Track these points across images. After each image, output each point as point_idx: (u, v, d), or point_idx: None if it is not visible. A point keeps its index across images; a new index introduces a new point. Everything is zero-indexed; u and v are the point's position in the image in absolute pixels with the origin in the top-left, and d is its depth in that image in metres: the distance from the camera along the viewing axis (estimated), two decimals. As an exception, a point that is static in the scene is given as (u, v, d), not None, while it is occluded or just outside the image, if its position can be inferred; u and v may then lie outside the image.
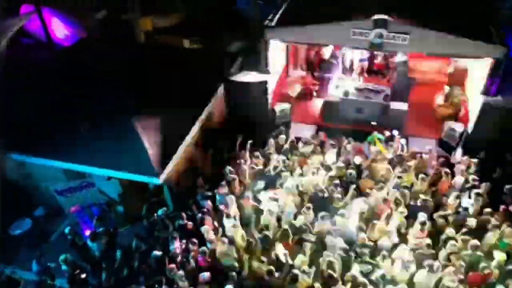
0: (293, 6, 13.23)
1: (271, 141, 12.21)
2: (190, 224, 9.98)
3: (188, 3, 21.78)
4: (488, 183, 10.08)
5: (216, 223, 10.15)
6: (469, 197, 9.95)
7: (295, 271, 8.52)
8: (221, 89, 13.47)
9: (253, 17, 20.23)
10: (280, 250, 9.18)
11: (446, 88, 14.32)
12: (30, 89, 12.26)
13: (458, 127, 12.23)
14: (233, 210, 10.25)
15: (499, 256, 8.63)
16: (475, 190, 9.96)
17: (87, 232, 11.25)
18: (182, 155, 11.35)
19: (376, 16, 11.13)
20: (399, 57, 14.05)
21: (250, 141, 11.88)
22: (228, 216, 9.95)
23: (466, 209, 9.72)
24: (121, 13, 19.90)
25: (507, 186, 10.14)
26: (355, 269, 8.65)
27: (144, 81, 12.64)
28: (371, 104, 13.63)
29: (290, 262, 8.96)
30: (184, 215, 10.15)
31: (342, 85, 14.44)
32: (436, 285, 8.29)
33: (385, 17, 11.11)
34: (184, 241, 9.60)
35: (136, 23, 19.10)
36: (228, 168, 11.24)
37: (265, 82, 13.07)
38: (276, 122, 13.51)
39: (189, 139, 11.73)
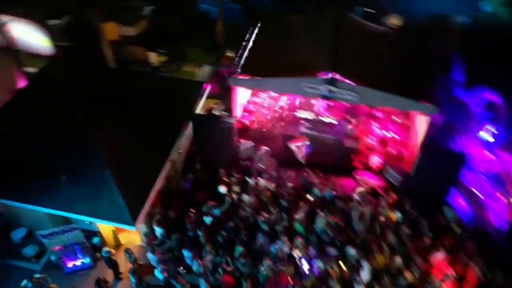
0: (253, 57, 14.13)
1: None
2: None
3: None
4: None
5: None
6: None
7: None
8: (188, 125, 14.61)
9: (218, 19, 21.03)
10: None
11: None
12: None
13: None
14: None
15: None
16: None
17: (69, 264, 13.03)
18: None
19: (325, 76, 12.39)
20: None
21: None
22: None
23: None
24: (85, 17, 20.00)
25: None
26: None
27: (115, 117, 13.57)
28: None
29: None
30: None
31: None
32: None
33: (334, 77, 12.40)
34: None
35: (101, 31, 19.29)
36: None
37: (231, 123, 14.24)
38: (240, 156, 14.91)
39: (160, 180, 13.03)
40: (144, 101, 14.47)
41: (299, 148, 14.13)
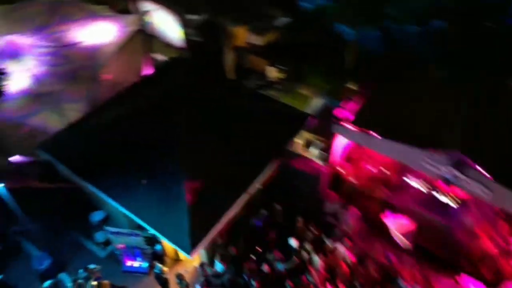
0: (368, 104, 12.12)
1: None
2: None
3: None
4: None
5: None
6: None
7: None
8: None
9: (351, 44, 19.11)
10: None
11: None
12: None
13: None
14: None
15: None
16: None
17: (128, 263, 13.21)
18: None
19: (452, 156, 9.80)
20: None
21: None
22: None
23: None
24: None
25: None
26: None
27: (207, 132, 13.02)
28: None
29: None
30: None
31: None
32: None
33: (464, 160, 9.72)
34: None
35: (230, 35, 19.13)
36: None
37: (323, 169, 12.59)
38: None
39: (232, 211, 12.07)
40: (240, 122, 13.61)
41: (397, 226, 11.74)
